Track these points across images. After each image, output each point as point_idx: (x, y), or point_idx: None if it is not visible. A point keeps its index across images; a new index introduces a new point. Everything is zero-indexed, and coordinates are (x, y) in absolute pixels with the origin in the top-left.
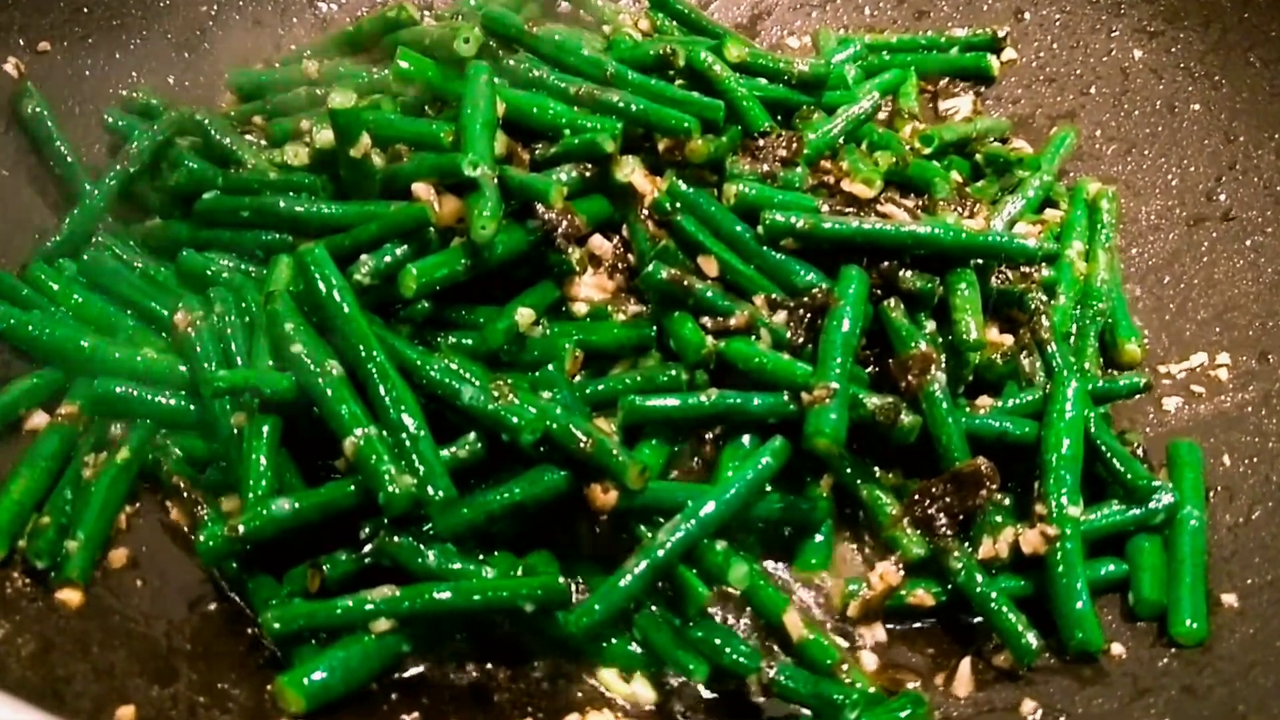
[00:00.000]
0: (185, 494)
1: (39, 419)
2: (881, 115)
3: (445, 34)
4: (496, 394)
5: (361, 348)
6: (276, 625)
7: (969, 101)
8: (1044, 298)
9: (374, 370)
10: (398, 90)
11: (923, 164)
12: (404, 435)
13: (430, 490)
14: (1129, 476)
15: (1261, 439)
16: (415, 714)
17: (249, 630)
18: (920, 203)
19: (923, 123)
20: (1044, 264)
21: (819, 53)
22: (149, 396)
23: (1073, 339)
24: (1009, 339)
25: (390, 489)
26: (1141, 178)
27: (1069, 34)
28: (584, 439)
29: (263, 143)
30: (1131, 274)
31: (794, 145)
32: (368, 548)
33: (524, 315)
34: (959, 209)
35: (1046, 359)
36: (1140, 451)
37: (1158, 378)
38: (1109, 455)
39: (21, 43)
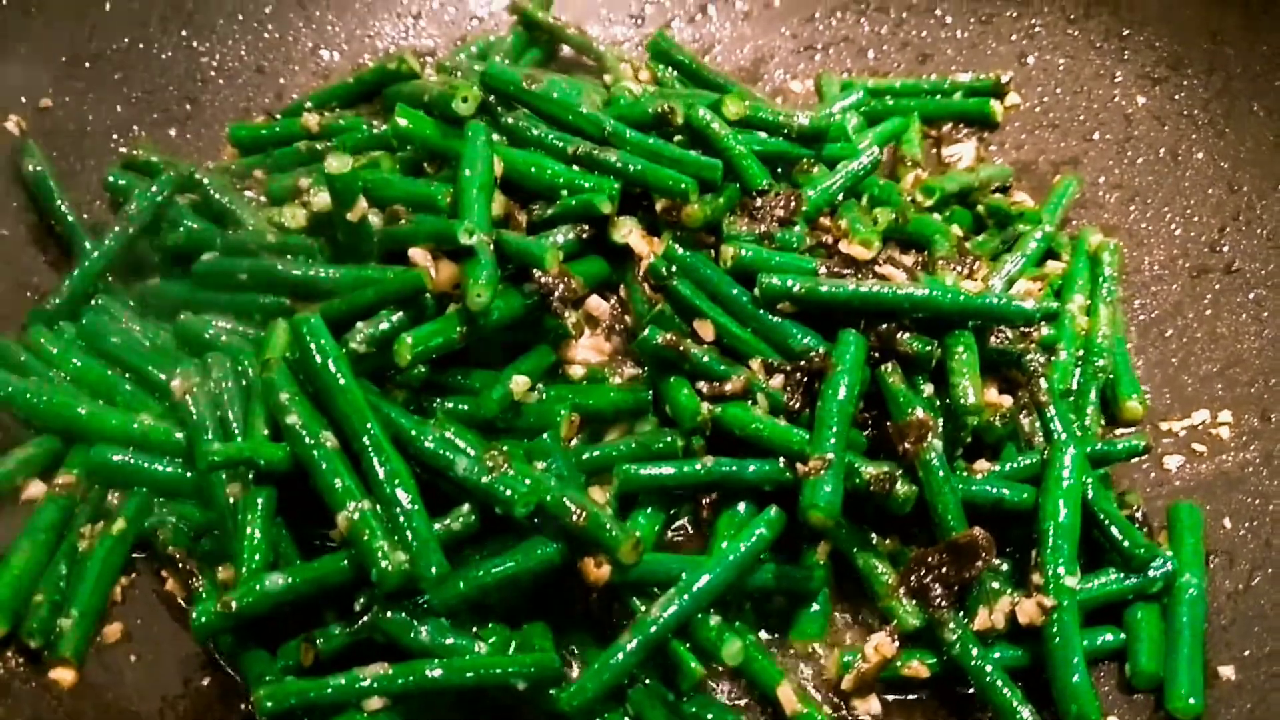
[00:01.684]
0: (180, 564)
1: (36, 488)
2: (884, 162)
3: (444, 92)
4: (491, 464)
5: (356, 420)
6: (269, 704)
7: (972, 147)
8: (1042, 359)
9: (368, 443)
10: (397, 146)
11: (923, 220)
12: (398, 510)
13: (423, 566)
14: (1126, 545)
15: (1263, 501)
16: None
17: (243, 705)
18: (920, 259)
19: (925, 170)
20: (1043, 323)
21: (821, 98)
22: (145, 464)
23: (1074, 395)
24: (1008, 400)
25: (383, 565)
26: (1145, 227)
27: (1072, 79)
28: (577, 512)
29: (263, 199)
30: (1135, 325)
31: (792, 204)
32: (361, 622)
33: (519, 383)
34: (958, 267)
35: (1045, 422)
36: (1140, 514)
37: (1159, 435)
38: (1107, 523)
39: (23, 99)
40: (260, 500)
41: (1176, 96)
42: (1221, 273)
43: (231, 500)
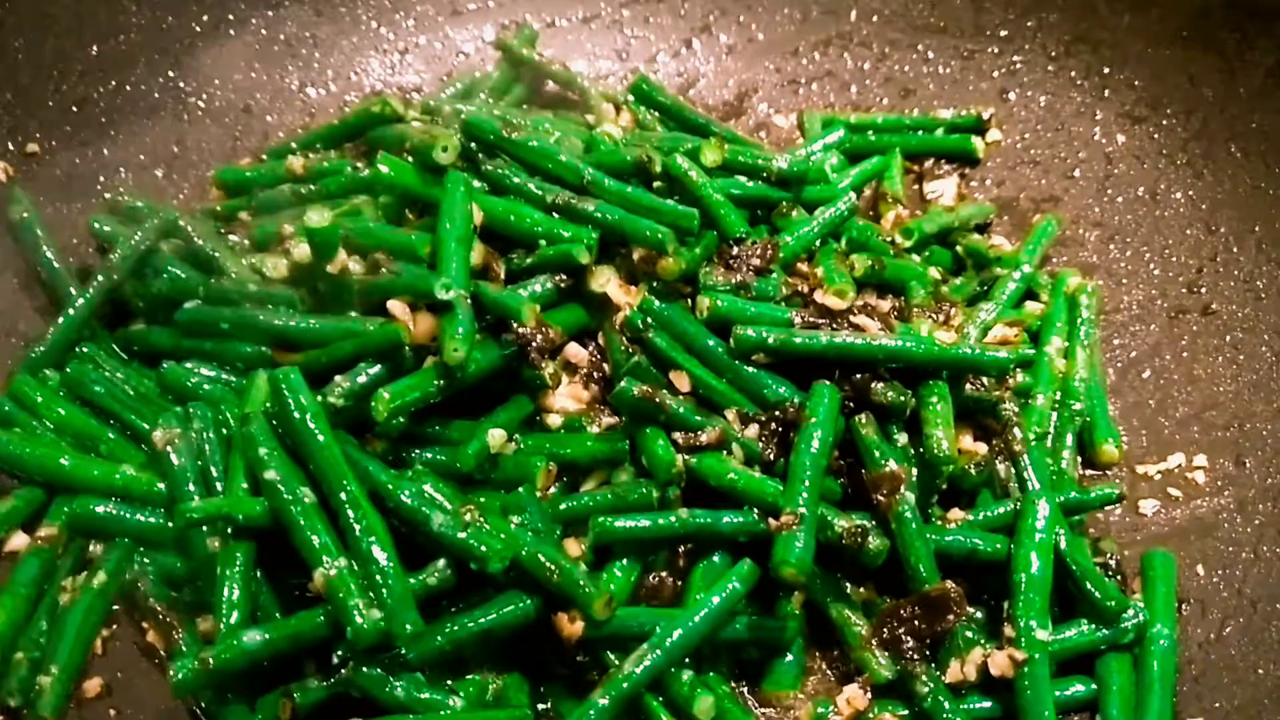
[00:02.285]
0: (161, 616)
1: (19, 540)
2: (866, 197)
3: (425, 141)
4: (467, 519)
5: (333, 476)
6: None
7: (954, 183)
8: (1015, 409)
9: (345, 499)
10: (380, 191)
11: (900, 265)
12: (374, 567)
13: (398, 624)
14: (1098, 596)
15: (1235, 548)
16: None
17: None
18: (897, 305)
19: (906, 207)
20: (1018, 370)
21: (804, 134)
22: (127, 515)
23: (1050, 439)
24: (983, 448)
25: (359, 623)
26: (1124, 266)
27: (1053, 116)
28: (552, 569)
29: (247, 243)
30: (1113, 366)
31: (768, 253)
32: (338, 676)
33: (495, 437)
34: (934, 314)
35: (1019, 471)
36: (1113, 561)
37: (1135, 478)
38: (1079, 575)
39: (10, 146)
40: (239, 555)
41: (1155, 136)
42: (1199, 314)
43: (212, 552)
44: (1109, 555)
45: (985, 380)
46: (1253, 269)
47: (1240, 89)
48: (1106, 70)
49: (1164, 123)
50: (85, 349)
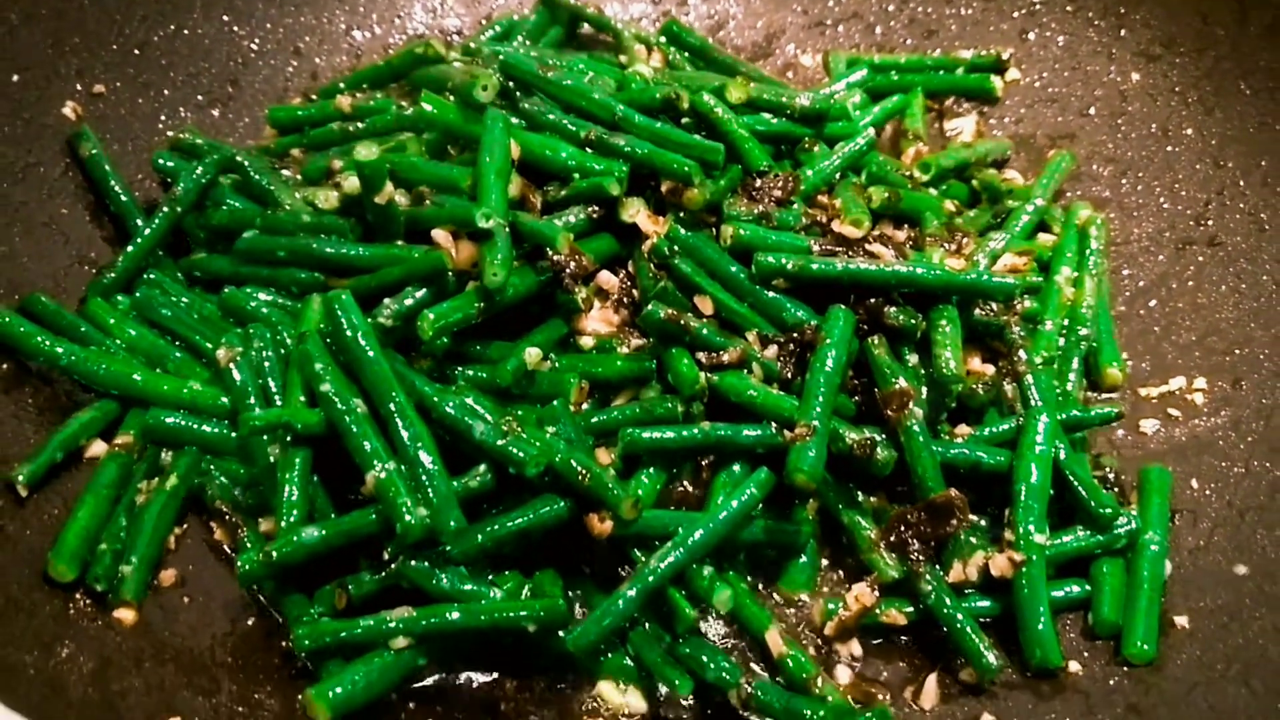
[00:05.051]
0: (227, 516)
1: (98, 448)
2: (888, 134)
3: (465, 79)
4: (505, 429)
5: (383, 388)
6: (307, 642)
7: (973, 121)
8: (1022, 333)
9: (394, 409)
10: (423, 128)
11: (916, 196)
12: (420, 470)
13: (443, 521)
14: (1093, 505)
15: (1228, 464)
16: None
17: (283, 643)
18: (912, 235)
19: (927, 143)
20: (1025, 296)
21: (829, 74)
22: (195, 426)
23: (1058, 362)
24: (990, 369)
25: (407, 519)
26: (1135, 200)
27: (1071, 55)
28: (583, 472)
29: (299, 178)
30: (1122, 295)
31: (789, 185)
32: (389, 570)
33: (532, 355)
34: (947, 243)
35: (1024, 390)
36: (1111, 475)
37: (1138, 400)
38: (1076, 485)
39: (78, 87)
40: (298, 460)
41: (1169, 74)
42: (1205, 245)
43: (272, 459)
44: (1108, 470)
45: (994, 305)
46: (1258, 202)
47: (1251, 28)
48: (1123, 10)
49: (1177, 60)
50: (152, 275)
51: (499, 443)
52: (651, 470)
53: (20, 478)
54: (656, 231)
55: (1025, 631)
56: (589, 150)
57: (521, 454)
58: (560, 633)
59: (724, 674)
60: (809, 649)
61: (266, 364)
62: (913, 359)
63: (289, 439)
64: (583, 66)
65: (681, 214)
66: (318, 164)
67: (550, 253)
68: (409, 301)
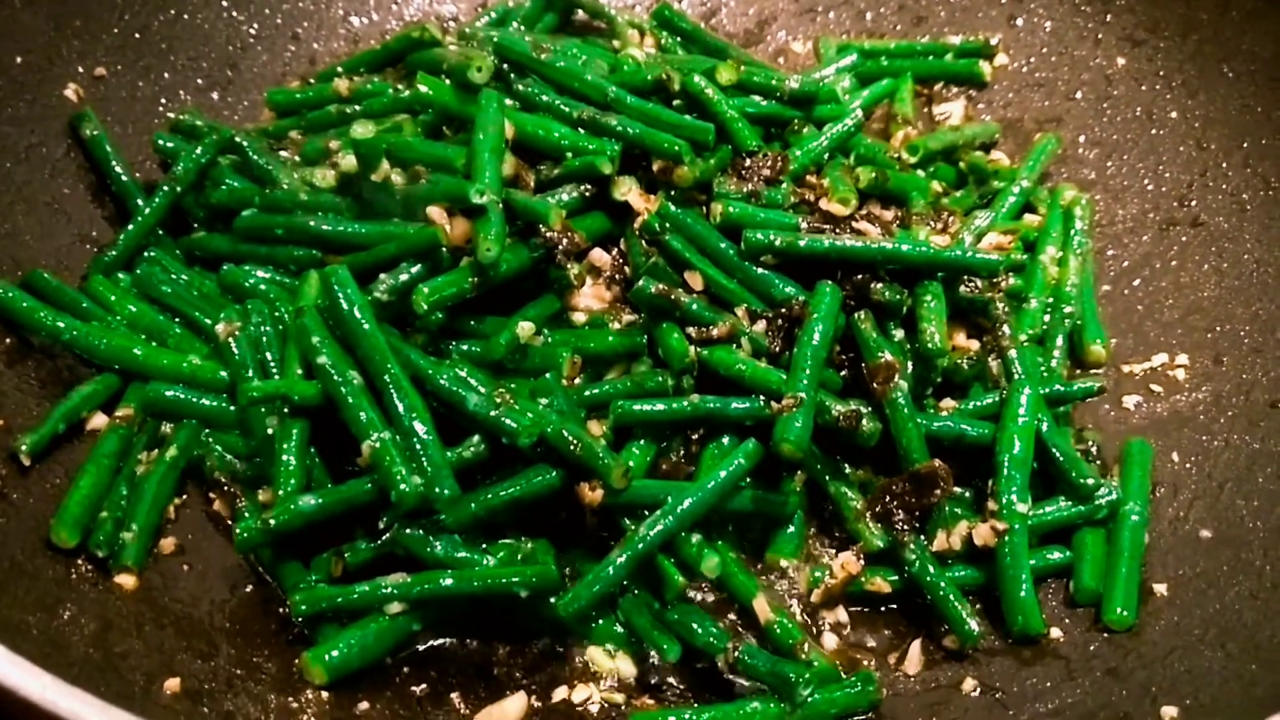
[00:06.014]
0: (226, 487)
1: (99, 420)
2: (878, 118)
3: (461, 61)
4: (498, 400)
5: (379, 360)
6: (303, 607)
7: (961, 106)
8: (1006, 309)
9: (389, 381)
10: (419, 109)
11: (903, 177)
12: (415, 440)
13: (437, 489)
14: (1074, 476)
15: (1208, 438)
16: (424, 685)
17: (280, 610)
18: (899, 215)
19: (916, 127)
20: (1009, 274)
21: (819, 59)
22: (194, 399)
23: (1043, 340)
24: (974, 344)
25: (402, 488)
26: (1120, 182)
27: (1058, 41)
28: (574, 442)
29: (297, 159)
30: (1107, 275)
31: (778, 165)
32: (384, 538)
33: (524, 329)
34: (932, 222)
35: (1007, 364)
36: (1094, 449)
37: (1121, 376)
38: (1058, 457)
39: (80, 70)
40: (295, 431)
41: (1153, 59)
42: (1188, 225)
43: (270, 431)
44: (1090, 444)
45: (978, 282)
46: (1240, 183)
47: (1233, 12)
48: None
49: (1161, 45)
50: (152, 253)
51: (492, 414)
52: (642, 442)
53: (24, 447)
54: (648, 209)
55: (1007, 599)
56: (582, 130)
57: (514, 424)
58: (551, 599)
59: (712, 639)
60: (796, 616)
61: (265, 339)
62: (898, 334)
63: (286, 410)
64: (576, 50)
65: (672, 192)
66: (315, 145)
67: (543, 229)
68: (404, 277)
